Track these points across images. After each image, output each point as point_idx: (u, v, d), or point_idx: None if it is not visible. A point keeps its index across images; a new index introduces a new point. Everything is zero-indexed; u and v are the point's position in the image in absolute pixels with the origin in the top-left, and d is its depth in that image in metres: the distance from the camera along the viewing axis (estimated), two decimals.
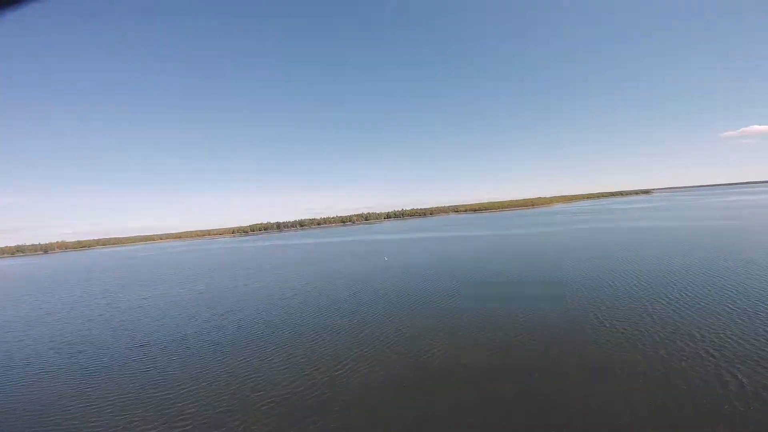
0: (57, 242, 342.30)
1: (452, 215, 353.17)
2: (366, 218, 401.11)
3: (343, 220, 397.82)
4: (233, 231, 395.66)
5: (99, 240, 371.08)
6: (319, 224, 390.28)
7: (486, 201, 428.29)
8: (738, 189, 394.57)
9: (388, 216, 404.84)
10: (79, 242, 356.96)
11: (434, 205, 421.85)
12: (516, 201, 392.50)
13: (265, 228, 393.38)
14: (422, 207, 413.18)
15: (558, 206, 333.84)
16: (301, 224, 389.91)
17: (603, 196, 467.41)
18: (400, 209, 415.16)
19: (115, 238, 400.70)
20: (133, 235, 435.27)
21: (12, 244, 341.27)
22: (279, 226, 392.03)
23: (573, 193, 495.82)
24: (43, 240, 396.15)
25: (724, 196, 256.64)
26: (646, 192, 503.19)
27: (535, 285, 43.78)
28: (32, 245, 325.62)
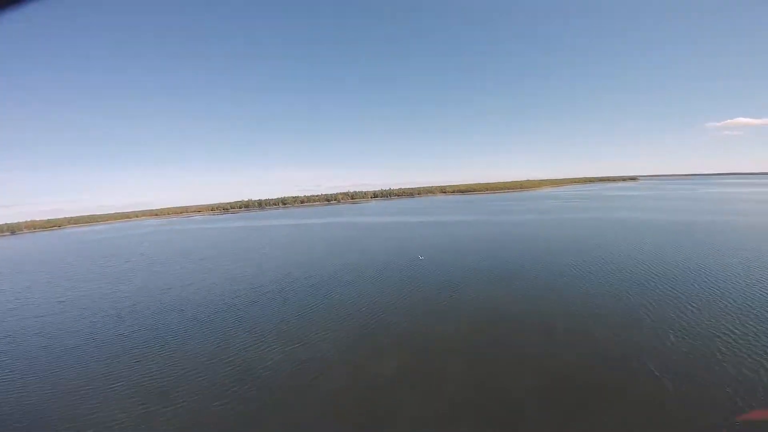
0: (25, 222, 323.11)
1: (440, 196, 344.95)
2: (352, 197, 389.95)
3: (328, 199, 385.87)
4: (213, 208, 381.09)
5: (71, 218, 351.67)
6: (302, 202, 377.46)
7: (473, 182, 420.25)
8: (722, 180, 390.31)
9: (374, 195, 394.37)
10: (49, 221, 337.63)
11: (421, 185, 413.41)
12: (504, 183, 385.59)
13: (246, 206, 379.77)
14: (409, 187, 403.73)
15: (546, 190, 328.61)
16: (283, 202, 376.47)
17: (590, 181, 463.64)
18: (387, 189, 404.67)
19: (90, 216, 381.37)
20: (109, 213, 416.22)
21: None
22: (261, 204, 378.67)
23: (560, 177, 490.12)
24: (17, 219, 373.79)
25: (713, 187, 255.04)
26: (632, 179, 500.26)
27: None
28: None
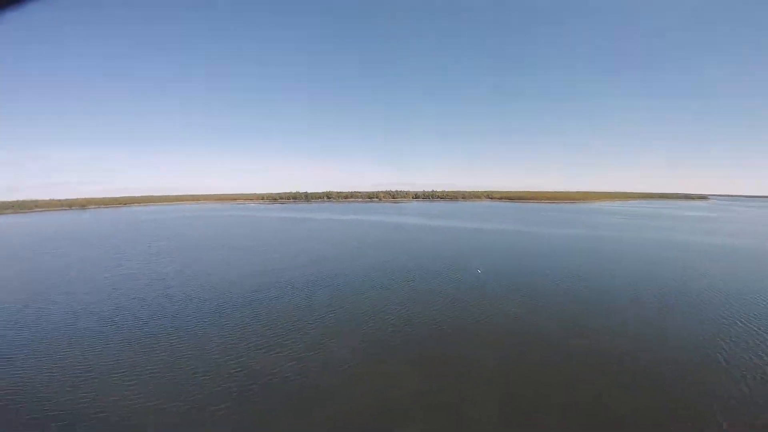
0: (94, 198, 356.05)
1: (486, 201, 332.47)
2: (393, 196, 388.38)
3: (370, 196, 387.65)
4: (263, 197, 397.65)
5: (132, 198, 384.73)
6: (345, 197, 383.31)
7: (523, 190, 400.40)
8: None
9: (416, 196, 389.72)
10: (114, 199, 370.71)
11: (466, 188, 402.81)
12: (555, 193, 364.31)
13: (294, 197, 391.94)
14: (453, 189, 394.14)
15: (600, 203, 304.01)
16: (328, 196, 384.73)
17: (649, 197, 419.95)
18: (430, 190, 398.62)
19: (149, 196, 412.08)
20: (175, 194, 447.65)
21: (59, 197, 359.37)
22: (307, 197, 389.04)
23: (614, 191, 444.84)
24: (89, 195, 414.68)
25: None
26: (701, 197, 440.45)
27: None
28: (67, 200, 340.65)
